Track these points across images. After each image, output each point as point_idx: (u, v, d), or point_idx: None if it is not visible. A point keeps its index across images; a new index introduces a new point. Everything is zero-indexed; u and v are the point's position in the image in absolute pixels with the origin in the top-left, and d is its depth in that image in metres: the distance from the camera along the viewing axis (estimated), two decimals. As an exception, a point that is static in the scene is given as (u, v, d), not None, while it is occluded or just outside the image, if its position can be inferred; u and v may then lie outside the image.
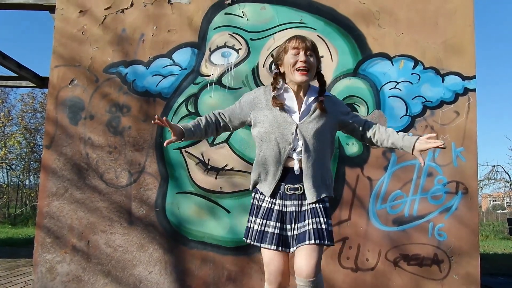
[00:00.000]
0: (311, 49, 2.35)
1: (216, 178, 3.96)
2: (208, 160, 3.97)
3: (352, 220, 3.92)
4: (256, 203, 2.44)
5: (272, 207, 2.38)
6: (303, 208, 2.36)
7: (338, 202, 3.91)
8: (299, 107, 2.41)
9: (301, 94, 2.43)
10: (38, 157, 16.90)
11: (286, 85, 2.44)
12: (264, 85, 2.62)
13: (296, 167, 2.37)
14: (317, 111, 2.40)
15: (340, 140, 3.96)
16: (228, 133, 3.98)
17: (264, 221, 2.36)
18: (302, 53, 2.32)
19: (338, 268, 3.87)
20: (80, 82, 4.07)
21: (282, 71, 2.44)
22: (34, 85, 6.93)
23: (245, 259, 3.87)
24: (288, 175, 2.38)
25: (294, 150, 2.37)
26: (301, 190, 2.36)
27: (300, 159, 2.36)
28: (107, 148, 4.00)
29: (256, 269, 3.85)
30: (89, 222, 3.92)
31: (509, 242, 13.78)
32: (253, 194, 2.52)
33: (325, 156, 2.44)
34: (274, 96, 2.40)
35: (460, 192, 3.96)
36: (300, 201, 2.37)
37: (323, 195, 2.39)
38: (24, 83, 6.95)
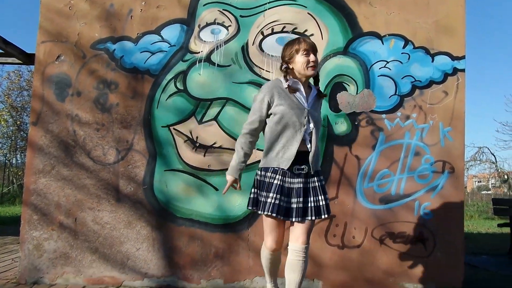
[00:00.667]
0: (316, 50, 2.88)
1: (204, 155, 3.95)
2: (197, 137, 3.96)
3: (339, 198, 3.95)
4: (268, 181, 2.82)
5: (282, 184, 2.79)
6: (307, 185, 2.83)
7: (326, 181, 3.92)
8: (307, 96, 2.89)
9: (306, 86, 2.94)
10: (25, 135, 16.76)
11: (295, 79, 2.89)
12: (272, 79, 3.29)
13: (308, 146, 2.84)
14: (317, 100, 2.98)
15: (329, 119, 3.96)
16: (216, 111, 3.96)
17: (278, 195, 2.77)
18: (312, 54, 2.83)
19: (325, 246, 3.91)
20: (67, 58, 4.01)
21: (291, 67, 2.88)
22: (20, 61, 6.79)
23: (233, 236, 3.89)
24: (297, 156, 2.80)
25: (305, 131, 2.83)
26: (305, 170, 2.82)
27: (310, 139, 2.84)
28: (94, 125, 3.96)
29: (244, 246, 3.88)
30: (77, 199, 3.90)
31: (493, 222, 14.01)
32: (262, 172, 2.87)
33: (318, 138, 2.96)
34: (289, 85, 2.85)
35: (446, 172, 4.00)
36: (304, 178, 2.83)
37: (319, 169, 2.92)
38: (10, 59, 6.81)
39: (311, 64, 2.82)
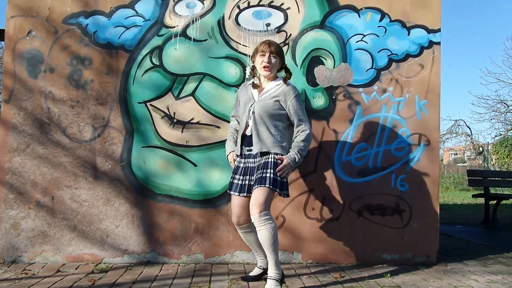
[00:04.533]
0: (275, 52, 3.20)
1: (182, 131, 3.92)
2: (174, 113, 3.92)
3: (317, 172, 3.98)
4: (236, 164, 3.31)
5: (238, 165, 3.28)
6: (256, 164, 3.18)
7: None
8: (264, 90, 3.27)
9: (268, 82, 3.30)
10: (-1, 114, 16.37)
11: (256, 78, 3.37)
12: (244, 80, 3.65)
13: (248, 131, 3.23)
14: (269, 93, 3.23)
15: (306, 93, 3.97)
16: (193, 87, 3.93)
17: (237, 175, 3.25)
18: (267, 55, 3.18)
19: (303, 219, 3.95)
20: (39, 33, 3.90)
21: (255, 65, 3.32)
22: (-10, 37, 6.61)
23: (212, 211, 3.91)
24: (246, 140, 3.24)
25: (249, 119, 3.23)
26: (254, 151, 3.18)
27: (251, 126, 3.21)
28: (69, 102, 3.89)
29: (223, 221, 3.90)
30: (53, 177, 3.85)
31: (468, 193, 14.34)
32: (237, 157, 3.33)
33: (270, 125, 3.18)
34: (253, 82, 3.33)
35: (422, 144, 4.06)
36: (254, 159, 3.20)
37: (264, 150, 3.15)
38: (-21, 35, 6.62)
39: (263, 64, 3.18)
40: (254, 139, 3.16)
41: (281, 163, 3.09)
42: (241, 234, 3.33)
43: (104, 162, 3.88)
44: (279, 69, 3.31)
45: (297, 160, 3.14)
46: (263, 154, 3.15)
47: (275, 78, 3.31)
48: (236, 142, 3.38)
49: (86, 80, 3.90)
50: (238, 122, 3.42)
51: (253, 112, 3.18)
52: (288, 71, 3.33)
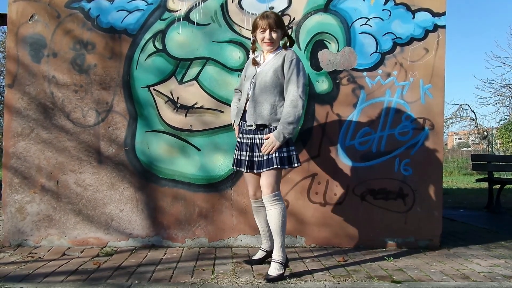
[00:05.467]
0: (275, 26, 3.10)
1: (186, 116, 3.92)
2: (178, 98, 3.92)
3: (321, 156, 3.98)
4: (239, 140, 3.28)
5: (245, 142, 3.21)
6: (256, 141, 3.14)
7: (308, 139, 3.95)
8: (266, 62, 3.20)
9: (269, 53, 3.22)
10: (2, 99, 16.40)
11: (260, 51, 3.30)
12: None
13: (247, 105, 3.17)
14: (269, 62, 3.16)
15: (310, 78, 3.95)
16: (197, 71, 3.92)
17: (237, 151, 3.26)
18: (267, 31, 3.10)
19: (307, 203, 3.97)
20: (41, 17, 3.88)
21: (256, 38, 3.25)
22: (-7, 22, 6.58)
23: (216, 195, 3.93)
24: (245, 115, 3.20)
25: (250, 89, 3.19)
26: (248, 123, 3.14)
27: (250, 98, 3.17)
28: (72, 86, 3.89)
29: (227, 205, 3.92)
30: (58, 162, 3.87)
31: (472, 177, 14.33)
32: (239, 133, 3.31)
33: (271, 95, 3.10)
34: (253, 58, 3.27)
35: (426, 128, 4.04)
36: (254, 135, 3.15)
37: (260, 122, 3.10)
38: (-18, 20, 6.59)
39: (265, 41, 3.13)
40: (249, 111, 3.12)
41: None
42: (254, 209, 3.35)
43: (108, 146, 3.89)
44: (282, 37, 3.22)
45: (285, 135, 2.99)
46: (261, 127, 3.10)
47: (277, 48, 3.22)
48: (238, 112, 3.29)
49: (89, 64, 3.89)
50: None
51: (255, 84, 3.14)
52: (289, 37, 3.28)
